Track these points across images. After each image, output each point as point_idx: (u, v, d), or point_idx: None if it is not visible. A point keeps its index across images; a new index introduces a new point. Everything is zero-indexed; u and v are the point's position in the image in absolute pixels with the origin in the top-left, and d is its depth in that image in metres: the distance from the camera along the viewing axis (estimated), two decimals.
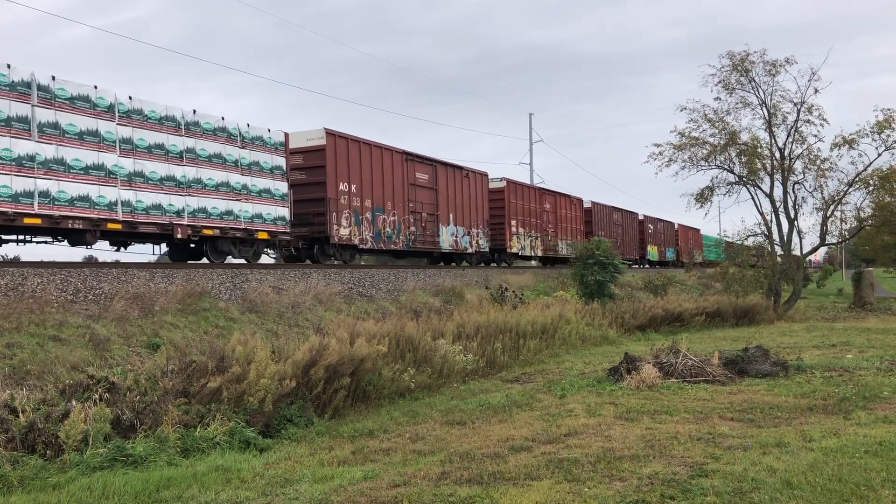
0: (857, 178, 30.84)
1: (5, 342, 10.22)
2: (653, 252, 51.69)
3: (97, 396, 8.13)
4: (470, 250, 29.53)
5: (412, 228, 25.32)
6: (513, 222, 33.17)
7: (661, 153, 31.72)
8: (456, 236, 28.44)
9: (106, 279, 13.39)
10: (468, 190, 29.62)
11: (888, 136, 29.66)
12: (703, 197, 32.64)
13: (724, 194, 32.48)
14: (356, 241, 22.19)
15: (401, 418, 9.78)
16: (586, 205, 41.80)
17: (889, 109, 29.64)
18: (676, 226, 59.07)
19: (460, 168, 29.41)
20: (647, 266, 49.59)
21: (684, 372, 11.69)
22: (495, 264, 32.57)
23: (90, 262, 15.32)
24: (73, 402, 7.91)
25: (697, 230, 65.44)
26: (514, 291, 22.57)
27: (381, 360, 11.27)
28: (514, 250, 33.28)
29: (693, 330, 22.16)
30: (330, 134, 21.58)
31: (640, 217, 50.49)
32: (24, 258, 16.68)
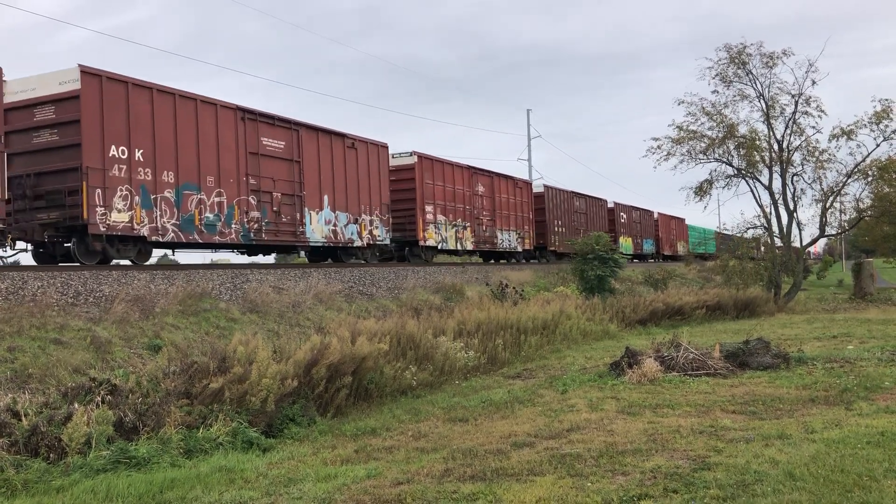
0: (855, 169, 30.84)
1: (7, 346, 10.22)
2: (626, 244, 46.13)
3: (99, 399, 8.14)
4: (358, 242, 22.70)
5: (254, 214, 18.59)
6: (428, 208, 26.46)
7: (659, 147, 31.73)
8: (335, 225, 21.71)
9: (106, 281, 13.39)
10: (356, 165, 22.75)
11: (886, 126, 29.67)
12: (701, 190, 32.64)
13: (723, 187, 32.49)
14: (144, 231, 15.66)
15: (403, 416, 9.79)
16: (537, 189, 36.08)
17: (887, 100, 29.67)
18: (656, 215, 53.85)
19: (342, 135, 22.38)
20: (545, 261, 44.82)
21: (685, 365, 11.70)
22: (407, 261, 26.35)
23: (89, 265, 15.29)
24: (76, 405, 7.92)
25: (682, 220, 61.25)
26: (514, 288, 22.59)
27: (383, 359, 11.27)
28: (431, 243, 26.68)
29: (694, 323, 22.18)
30: (90, 75, 14.92)
31: (610, 205, 45.12)
32: (23, 262, 16.68)
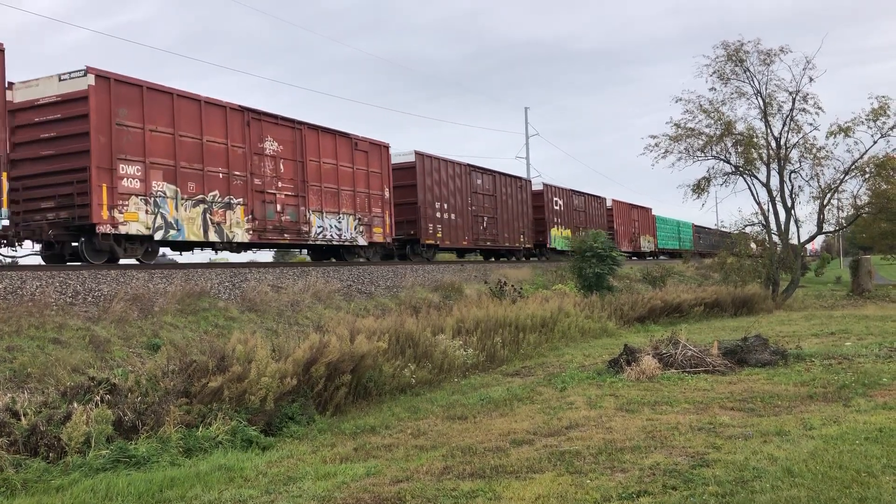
0: (853, 166, 30.89)
1: (5, 345, 10.22)
2: (560, 238, 37.36)
3: (98, 398, 8.14)
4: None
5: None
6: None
7: (657, 145, 31.77)
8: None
9: (105, 281, 13.39)
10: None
11: (883, 123, 29.72)
12: (699, 188, 32.69)
13: (721, 184, 32.56)
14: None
15: (402, 414, 9.80)
16: (402, 159, 25.76)
17: (884, 97, 29.70)
18: (609, 202, 45.26)
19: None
20: (545, 259, 35.72)
21: (684, 362, 11.71)
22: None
23: (88, 265, 15.27)
24: (75, 405, 7.92)
25: (647, 210, 52.91)
26: (512, 286, 22.59)
27: (382, 357, 11.28)
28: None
29: (692, 320, 22.20)
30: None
31: (537, 187, 36.61)
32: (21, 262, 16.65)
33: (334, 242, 21.56)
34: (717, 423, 8.05)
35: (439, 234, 26.87)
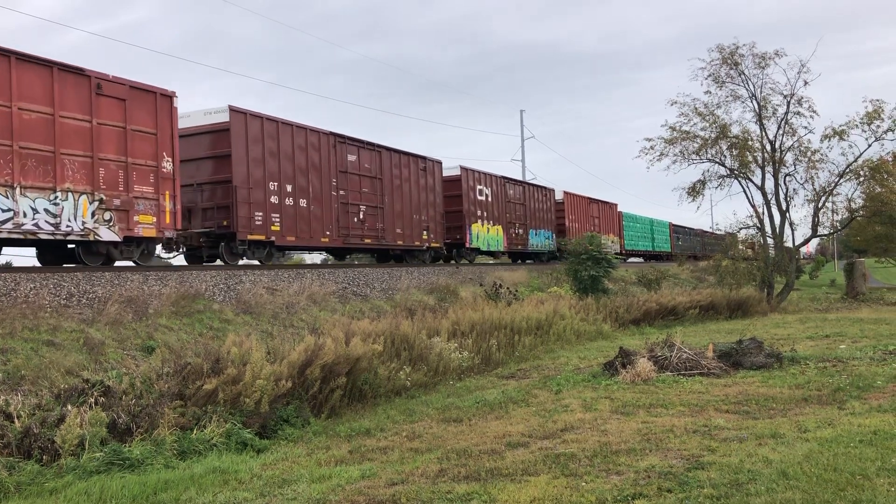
0: (847, 170, 30.98)
1: None
2: (487, 236, 30.03)
3: (92, 400, 8.12)
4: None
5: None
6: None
7: (652, 147, 31.81)
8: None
9: (99, 283, 13.34)
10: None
11: (878, 126, 29.80)
12: (694, 191, 32.76)
13: (716, 187, 32.59)
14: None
15: (397, 417, 9.79)
16: (208, 119, 18.80)
17: (878, 100, 29.79)
18: (560, 195, 37.81)
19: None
20: (464, 262, 28.88)
21: (679, 365, 11.73)
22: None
23: (83, 266, 15.20)
24: (69, 407, 7.89)
25: (612, 206, 45.76)
26: (508, 288, 22.60)
27: (377, 359, 11.27)
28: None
29: (687, 323, 22.23)
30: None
31: (454, 172, 28.74)
32: (16, 263, 16.60)
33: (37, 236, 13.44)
34: (712, 426, 8.06)
35: (275, 227, 19.48)
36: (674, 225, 61.37)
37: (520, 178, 46.25)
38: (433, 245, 26.41)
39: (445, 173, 28.10)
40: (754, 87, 30.93)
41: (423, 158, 26.36)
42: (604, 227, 43.05)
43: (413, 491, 6.22)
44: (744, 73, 30.81)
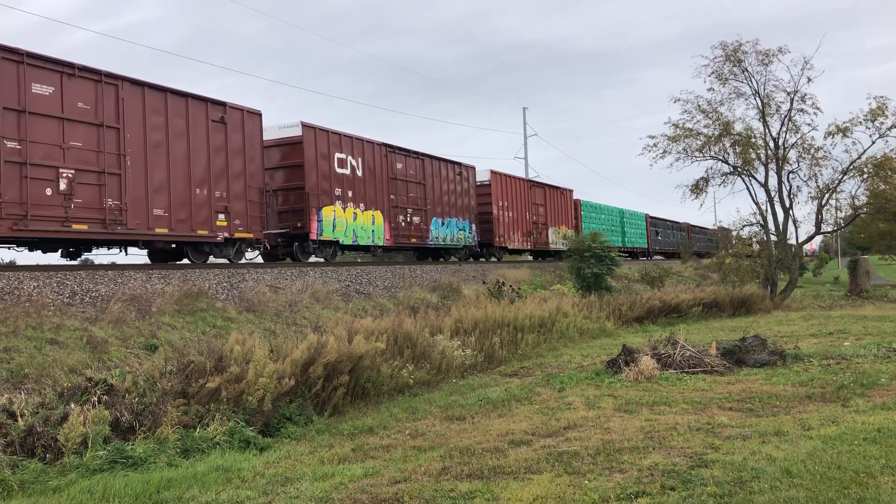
0: (851, 167, 30.94)
1: (2, 346, 10.19)
2: (351, 225, 21.76)
3: (96, 399, 8.12)
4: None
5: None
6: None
7: (655, 145, 31.79)
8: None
9: (102, 281, 13.36)
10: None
11: (881, 123, 29.76)
12: (698, 188, 32.73)
13: (720, 185, 32.59)
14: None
15: (400, 415, 9.79)
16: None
17: (882, 97, 29.73)
18: (485, 176, 29.92)
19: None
20: (307, 256, 21.35)
21: (682, 363, 11.71)
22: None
23: (86, 265, 15.23)
24: (72, 405, 7.91)
25: (565, 192, 37.81)
26: (510, 286, 22.60)
27: (380, 357, 11.27)
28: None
29: (690, 321, 22.21)
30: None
31: (291, 133, 20.67)
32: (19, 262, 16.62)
33: None
34: (716, 424, 8.05)
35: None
36: (652, 217, 53.93)
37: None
38: (238, 233, 17.76)
39: (280, 134, 20.49)
40: (757, 84, 30.91)
41: (221, 104, 17.44)
42: (553, 217, 35.57)
43: (416, 489, 6.22)
44: (747, 71, 30.79)
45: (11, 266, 14.56)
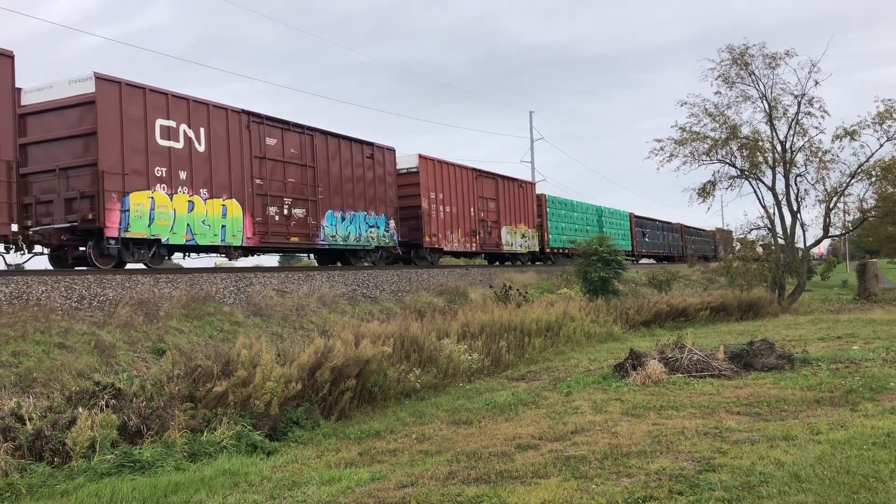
0: (859, 170, 30.78)
1: (11, 350, 10.24)
2: (192, 216, 16.26)
3: (103, 403, 8.15)
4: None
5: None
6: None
7: (662, 148, 31.68)
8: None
9: (110, 286, 13.41)
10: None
11: (890, 126, 29.60)
12: (705, 191, 32.60)
13: (727, 188, 32.40)
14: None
15: (407, 419, 9.78)
16: None
17: (890, 100, 29.59)
18: (411, 163, 24.88)
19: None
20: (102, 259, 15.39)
21: (690, 367, 11.68)
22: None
23: (94, 269, 15.28)
24: (80, 409, 7.93)
25: (526, 186, 33.09)
26: (517, 290, 22.58)
27: (387, 361, 11.27)
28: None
29: (698, 325, 22.14)
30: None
31: (86, 91, 14.62)
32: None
33: None
34: (724, 428, 8.02)
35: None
36: (637, 217, 48.61)
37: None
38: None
39: (70, 92, 14.95)
40: (764, 87, 30.80)
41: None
42: (508, 214, 30.64)
43: (423, 493, 6.21)
44: (754, 74, 30.67)
45: (20, 271, 14.62)
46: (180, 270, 16.58)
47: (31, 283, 12.31)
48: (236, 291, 15.73)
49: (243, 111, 18.04)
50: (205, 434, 8.23)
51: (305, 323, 15.64)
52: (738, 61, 30.52)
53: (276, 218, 18.82)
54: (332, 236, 20.67)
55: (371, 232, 22.49)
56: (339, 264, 22.69)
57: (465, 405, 10.48)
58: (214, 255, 18.47)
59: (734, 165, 31.71)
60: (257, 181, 18.25)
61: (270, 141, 18.73)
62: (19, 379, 9.62)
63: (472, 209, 27.77)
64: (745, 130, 31.38)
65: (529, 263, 33.12)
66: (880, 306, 29.83)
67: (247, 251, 18.77)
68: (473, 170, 28.53)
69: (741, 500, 5.58)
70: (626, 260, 33.87)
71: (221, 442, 8.12)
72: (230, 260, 18.58)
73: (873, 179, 31.30)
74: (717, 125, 31.06)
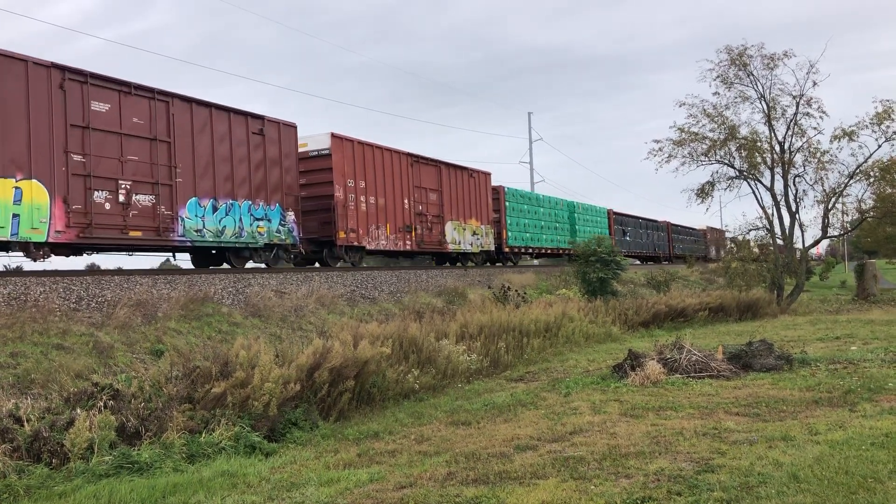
0: (857, 170, 30.78)
1: (9, 351, 10.23)
2: (13, 207, 12.55)
3: (102, 404, 8.14)
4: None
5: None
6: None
7: (660, 149, 31.66)
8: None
9: (108, 287, 13.39)
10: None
11: (888, 127, 29.61)
12: (703, 192, 32.60)
13: (725, 189, 32.37)
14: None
15: (406, 420, 9.78)
16: None
17: (888, 101, 29.59)
18: (321, 144, 20.88)
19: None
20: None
21: (688, 367, 11.68)
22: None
23: (92, 270, 15.29)
24: (78, 411, 7.92)
25: (478, 176, 28.64)
26: (516, 290, 22.57)
27: (385, 362, 11.26)
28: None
29: (696, 325, 22.16)
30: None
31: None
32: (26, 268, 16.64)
33: None
34: (722, 429, 8.02)
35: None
36: (617, 214, 44.75)
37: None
38: None
39: None
40: (763, 87, 30.79)
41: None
42: (455, 207, 26.80)
43: (421, 494, 6.21)
44: (752, 74, 30.67)
45: (18, 272, 14.61)
46: (179, 271, 16.57)
47: (29, 284, 12.30)
48: (234, 292, 15.72)
49: (55, 65, 13.65)
50: (203, 435, 8.22)
51: (304, 324, 15.63)
52: (737, 62, 30.53)
53: (107, 206, 14.35)
54: (196, 231, 16.12)
55: (259, 226, 17.81)
56: (226, 266, 18.54)
57: (463, 406, 10.47)
58: (3, 254, 13.46)
59: (732, 166, 31.73)
60: (76, 157, 13.86)
61: (99, 106, 14.37)
62: (17, 380, 9.61)
63: (406, 200, 23.83)
64: (744, 131, 31.40)
65: (488, 265, 30.16)
66: (879, 307, 29.85)
67: (61, 249, 14.43)
68: (409, 155, 24.47)
69: (740, 501, 5.58)
70: None
71: (220, 443, 8.11)
72: (34, 261, 13.77)
73: (872, 180, 31.32)
74: (716, 126, 31.08)
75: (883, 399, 9.23)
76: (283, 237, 18.65)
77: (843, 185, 31.43)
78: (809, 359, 12.60)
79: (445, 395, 11.61)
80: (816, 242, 35.27)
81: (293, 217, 19.08)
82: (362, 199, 21.71)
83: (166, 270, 16.50)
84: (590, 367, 13.71)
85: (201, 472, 7.24)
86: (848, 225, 34.72)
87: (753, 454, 6.87)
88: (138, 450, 7.56)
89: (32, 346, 10.61)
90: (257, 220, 17.84)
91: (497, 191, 31.04)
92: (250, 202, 17.70)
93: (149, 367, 10.68)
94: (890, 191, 31.37)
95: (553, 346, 16.75)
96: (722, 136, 31.04)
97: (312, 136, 20.85)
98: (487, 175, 29.67)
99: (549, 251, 35.30)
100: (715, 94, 31.67)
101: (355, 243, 21.35)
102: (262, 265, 18.61)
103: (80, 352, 10.95)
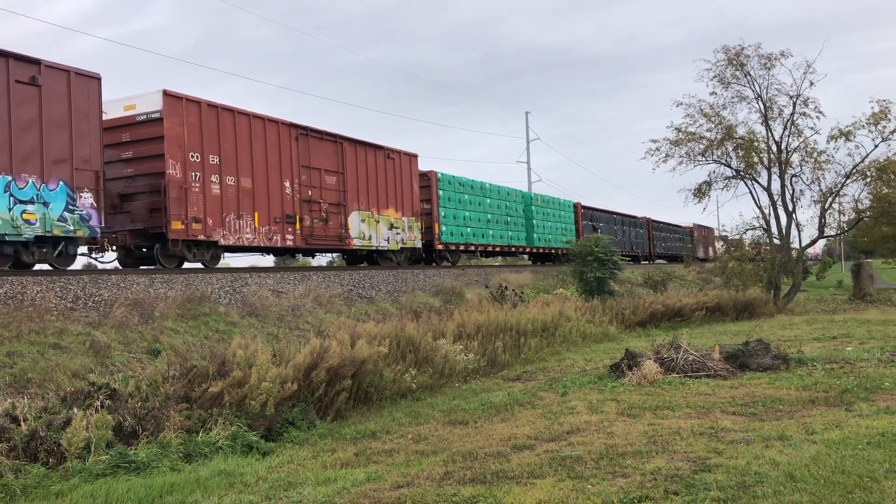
0: (854, 170, 30.83)
1: (6, 351, 10.21)
2: None
3: (98, 403, 8.12)
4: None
5: None
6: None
7: (657, 149, 31.69)
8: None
9: (105, 286, 13.38)
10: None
11: (884, 127, 29.66)
12: (700, 192, 32.63)
13: (722, 189, 32.43)
14: None
15: (403, 419, 9.78)
16: None
17: (884, 101, 29.67)
18: (158, 108, 15.76)
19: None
20: None
21: (685, 367, 11.69)
22: None
23: (89, 270, 15.26)
24: (75, 410, 7.91)
25: (401, 157, 24.11)
26: (513, 290, 22.58)
27: (383, 362, 11.26)
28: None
29: (693, 325, 22.17)
30: None
31: None
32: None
33: None
34: (719, 428, 8.03)
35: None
36: (586, 208, 40.87)
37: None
38: None
39: None
40: (760, 87, 30.83)
41: None
42: (365, 194, 22.18)
43: (418, 494, 6.21)
44: (749, 74, 30.71)
45: (14, 271, 14.57)
46: (176, 270, 16.55)
47: (25, 283, 12.28)
48: (232, 292, 15.71)
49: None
50: (200, 435, 8.21)
51: (301, 323, 15.63)
52: (734, 62, 30.57)
53: None
54: None
55: (27, 212, 13.09)
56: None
57: (460, 405, 10.48)
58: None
59: (730, 166, 31.77)
60: None
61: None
62: (14, 379, 9.59)
63: (287, 183, 18.97)
64: (741, 131, 31.44)
65: (422, 265, 26.20)
66: (875, 306, 29.91)
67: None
68: (293, 126, 19.45)
69: (736, 500, 5.59)
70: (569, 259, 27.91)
71: (217, 442, 8.10)
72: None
73: (868, 180, 31.38)
74: (713, 126, 31.12)
75: (879, 398, 9.26)
76: (72, 227, 13.77)
77: (839, 185, 31.50)
78: (806, 358, 12.63)
79: (443, 395, 11.62)
80: (813, 242, 35.31)
81: (91, 200, 14.13)
82: (214, 178, 16.87)
83: (163, 269, 16.48)
84: (587, 367, 13.72)
85: (198, 471, 7.23)
86: (844, 225, 34.77)
87: (750, 453, 6.88)
88: (135, 449, 7.55)
89: (29, 346, 10.59)
90: (24, 203, 13.00)
91: (427, 177, 26.37)
92: (10, 178, 12.80)
93: (146, 367, 10.68)
94: (886, 191, 31.45)
95: (550, 345, 16.76)
96: (719, 136, 31.08)
97: (143, 96, 16.29)
98: (413, 157, 24.71)
99: (499, 249, 31.42)
100: (712, 93, 31.74)
101: (201, 237, 16.63)
102: (45, 265, 14.15)
103: (76, 351, 10.94)
